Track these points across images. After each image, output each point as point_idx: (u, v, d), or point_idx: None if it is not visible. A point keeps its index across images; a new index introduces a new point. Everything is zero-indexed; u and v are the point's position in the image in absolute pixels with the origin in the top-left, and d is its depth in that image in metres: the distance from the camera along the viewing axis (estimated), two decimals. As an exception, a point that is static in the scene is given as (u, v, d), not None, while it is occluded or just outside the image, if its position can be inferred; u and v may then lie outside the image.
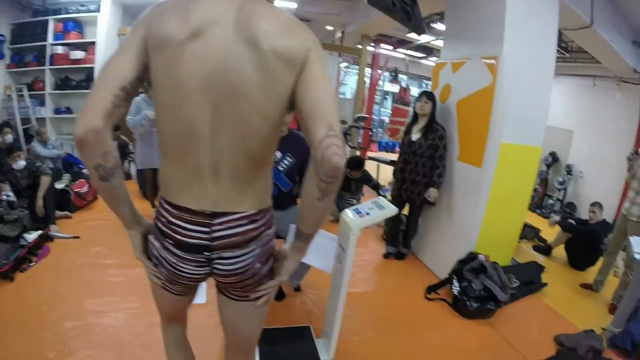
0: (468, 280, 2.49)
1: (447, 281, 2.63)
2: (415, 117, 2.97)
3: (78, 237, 3.09)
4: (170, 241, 0.88)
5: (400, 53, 7.56)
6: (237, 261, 0.88)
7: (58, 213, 3.39)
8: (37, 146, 4.50)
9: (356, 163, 3.91)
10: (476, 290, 2.43)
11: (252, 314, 1.01)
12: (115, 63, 0.78)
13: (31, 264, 2.62)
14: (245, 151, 0.82)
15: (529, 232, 4.18)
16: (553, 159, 6.00)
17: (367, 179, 4.06)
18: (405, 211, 3.20)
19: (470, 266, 2.54)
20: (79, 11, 5.09)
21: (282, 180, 2.17)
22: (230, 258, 0.87)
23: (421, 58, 7.83)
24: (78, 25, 5.22)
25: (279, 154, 2.16)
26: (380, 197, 1.75)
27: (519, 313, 2.58)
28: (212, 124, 0.78)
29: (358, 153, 5.60)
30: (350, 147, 5.22)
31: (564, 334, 2.27)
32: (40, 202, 3.12)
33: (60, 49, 5.13)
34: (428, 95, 2.90)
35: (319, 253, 2.10)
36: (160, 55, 0.77)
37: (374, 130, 7.88)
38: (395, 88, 9.59)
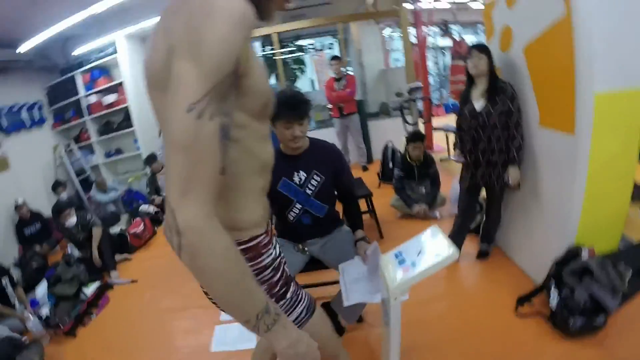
0: (570, 287, 1.87)
1: (544, 287, 2.04)
2: (471, 80, 2.29)
3: (135, 281, 3.12)
4: None
5: (444, 2, 6.37)
6: None
7: (118, 257, 3.47)
8: (96, 194, 4.73)
9: (414, 136, 3.43)
10: (580, 301, 1.81)
11: None
12: None
13: (92, 317, 2.69)
14: None
15: (634, 193, 3.13)
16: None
17: (428, 164, 3.46)
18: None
19: (571, 268, 1.91)
20: (99, 58, 5.19)
21: (314, 204, 1.75)
22: None
23: (469, 1, 6.54)
24: (103, 71, 5.35)
25: (302, 175, 1.72)
26: (435, 229, 1.18)
27: (635, 319, 1.85)
28: None
29: (422, 128, 4.85)
30: (409, 124, 4.53)
31: None
32: (95, 253, 3.21)
33: (93, 98, 5.30)
34: (479, 48, 2.21)
35: (362, 286, 1.68)
36: None
37: (432, 98, 6.82)
38: (449, 42, 8.19)
